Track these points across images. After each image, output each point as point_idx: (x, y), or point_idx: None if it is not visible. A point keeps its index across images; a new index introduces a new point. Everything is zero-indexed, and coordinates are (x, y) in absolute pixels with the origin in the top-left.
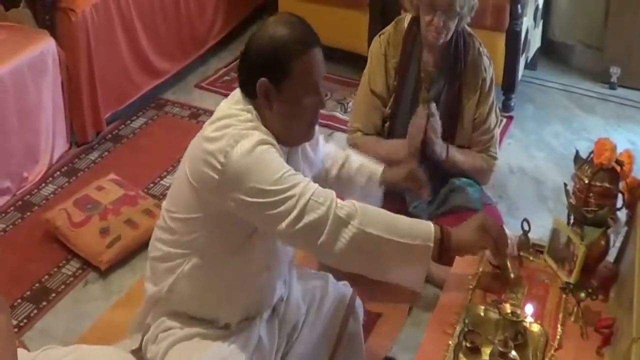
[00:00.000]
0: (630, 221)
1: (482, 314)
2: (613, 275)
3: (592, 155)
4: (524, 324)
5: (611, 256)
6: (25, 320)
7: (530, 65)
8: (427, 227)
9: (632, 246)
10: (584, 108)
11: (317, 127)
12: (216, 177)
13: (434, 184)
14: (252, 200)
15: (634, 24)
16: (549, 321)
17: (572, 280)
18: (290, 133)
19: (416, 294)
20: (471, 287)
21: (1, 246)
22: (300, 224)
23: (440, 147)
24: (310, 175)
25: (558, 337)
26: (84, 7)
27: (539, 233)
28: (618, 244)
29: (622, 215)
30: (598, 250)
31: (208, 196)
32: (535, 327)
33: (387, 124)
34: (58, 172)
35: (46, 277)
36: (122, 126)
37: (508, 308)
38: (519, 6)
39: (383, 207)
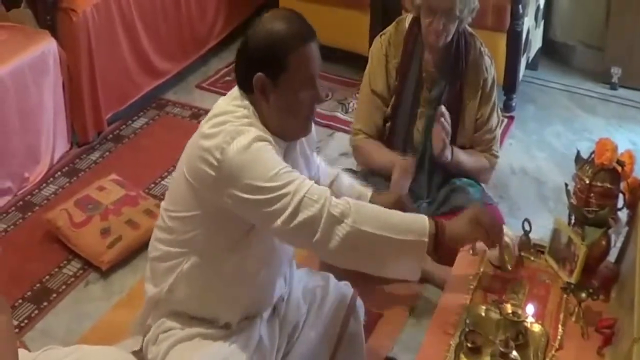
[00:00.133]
0: (631, 221)
1: (483, 314)
2: (614, 275)
3: (593, 156)
4: (525, 324)
5: (612, 256)
6: (26, 321)
7: (531, 66)
8: (421, 222)
9: (633, 246)
10: (585, 108)
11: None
12: (212, 173)
13: (434, 184)
14: (248, 196)
15: (635, 24)
16: (550, 321)
17: (573, 280)
18: (287, 128)
19: (417, 294)
20: (472, 287)
21: (2, 246)
22: (295, 222)
23: (447, 151)
24: (307, 171)
25: (559, 337)
26: (85, 7)
27: (540, 233)
28: (619, 244)
29: (623, 215)
30: (599, 251)
31: (205, 193)
32: (536, 327)
33: (388, 124)
34: (59, 173)
35: (47, 277)
36: (123, 126)
37: (509, 308)
38: (520, 6)
39: None
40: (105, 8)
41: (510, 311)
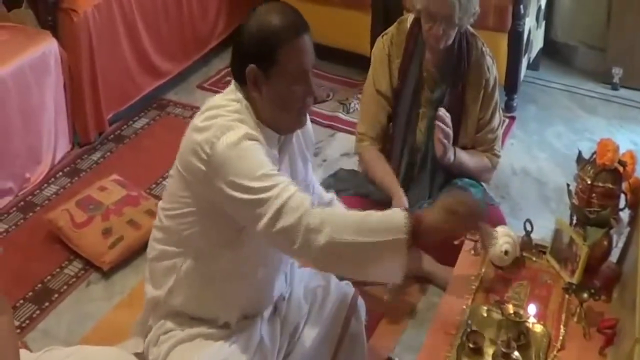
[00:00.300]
0: (632, 222)
1: (485, 314)
2: (616, 275)
3: (594, 156)
4: (527, 324)
5: (614, 256)
6: (27, 321)
7: (532, 66)
8: (397, 220)
9: (635, 247)
10: (587, 109)
11: (309, 121)
12: (203, 167)
13: (436, 184)
14: (233, 194)
15: (636, 24)
16: (552, 322)
17: (574, 280)
18: (280, 120)
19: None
20: (474, 287)
21: (3, 247)
22: (275, 228)
23: (450, 153)
24: (304, 171)
25: (561, 337)
26: (86, 8)
27: (542, 233)
28: (620, 244)
29: (624, 215)
30: (600, 251)
31: (197, 187)
32: (538, 328)
33: (391, 124)
34: (60, 173)
35: (48, 277)
36: (125, 127)
37: (511, 308)
38: (521, 7)
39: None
40: (106, 8)
41: (512, 311)
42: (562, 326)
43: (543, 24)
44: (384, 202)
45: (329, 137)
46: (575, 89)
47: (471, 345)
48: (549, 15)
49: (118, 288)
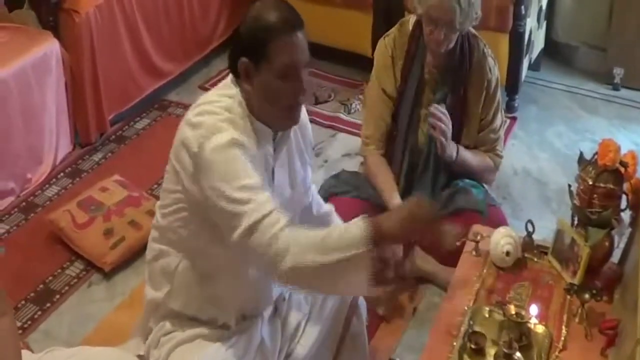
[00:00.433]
0: (634, 222)
1: (486, 315)
2: (617, 276)
3: (596, 157)
4: (529, 325)
5: (615, 257)
6: (29, 322)
7: (533, 66)
8: (355, 234)
9: (636, 247)
10: (588, 109)
11: (305, 118)
12: (192, 162)
13: (438, 185)
14: (213, 199)
15: (638, 24)
16: (554, 322)
17: (576, 281)
18: (270, 116)
19: (419, 295)
20: (475, 288)
21: (5, 247)
22: (246, 243)
23: (450, 149)
24: (303, 171)
25: (562, 338)
26: (88, 8)
27: (543, 234)
28: (622, 245)
29: (625, 216)
30: (602, 252)
31: (187, 181)
32: (540, 329)
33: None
34: (62, 173)
35: (50, 278)
36: (126, 127)
37: (512, 309)
38: (522, 7)
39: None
40: (107, 9)
41: (513, 312)
42: (563, 327)
43: (544, 24)
44: (383, 206)
45: (330, 138)
46: (576, 90)
47: (473, 346)
48: (550, 15)
49: (119, 289)
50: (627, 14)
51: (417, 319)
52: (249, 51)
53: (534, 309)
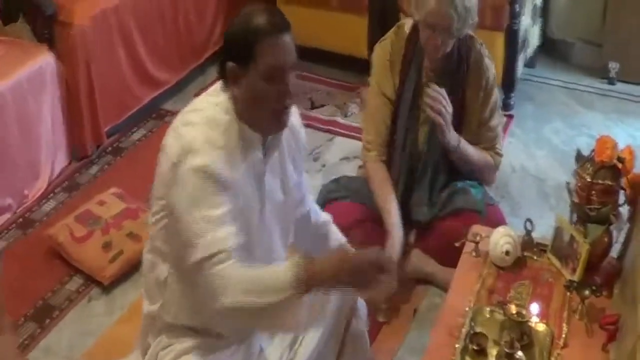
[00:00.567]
0: (632, 217)
1: (487, 315)
2: (616, 271)
3: (593, 153)
4: (530, 323)
5: (614, 252)
6: (29, 340)
7: (529, 64)
8: (286, 277)
9: (635, 242)
10: (584, 104)
11: (298, 123)
12: (169, 170)
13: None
14: (178, 211)
15: (632, 18)
16: (554, 320)
17: (576, 278)
18: (258, 120)
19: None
20: (476, 288)
21: (4, 264)
22: (196, 272)
23: (450, 135)
24: (296, 175)
25: (563, 335)
26: (83, 20)
27: (542, 230)
28: (621, 239)
29: (624, 211)
30: (601, 247)
31: (163, 184)
32: (541, 327)
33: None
34: (59, 188)
35: (49, 294)
36: (123, 138)
37: (513, 309)
38: (517, 5)
39: None
40: (102, 20)
41: (514, 311)
42: (564, 324)
43: (539, 21)
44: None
45: (328, 142)
46: (572, 85)
47: (475, 347)
48: (544, 12)
49: (119, 302)
50: (622, 8)
51: (418, 320)
52: (236, 54)
53: (534, 308)
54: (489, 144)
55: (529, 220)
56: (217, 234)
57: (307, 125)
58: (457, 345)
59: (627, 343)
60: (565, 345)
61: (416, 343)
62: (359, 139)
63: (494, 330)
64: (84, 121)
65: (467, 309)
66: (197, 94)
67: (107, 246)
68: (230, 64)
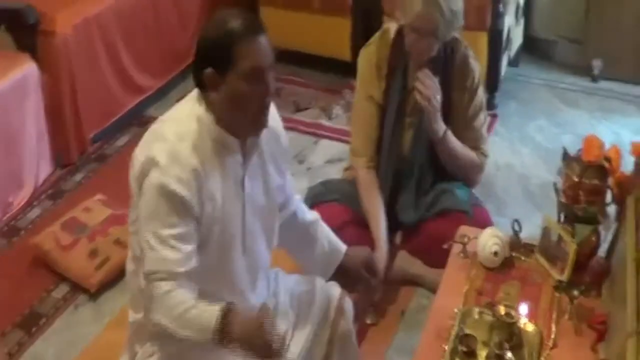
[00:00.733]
0: (619, 216)
1: (476, 316)
2: (605, 270)
3: (580, 153)
4: (519, 324)
5: (601, 251)
6: (16, 347)
7: (512, 62)
8: (208, 322)
9: (623, 241)
10: (568, 102)
11: (279, 125)
12: (136, 179)
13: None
14: (140, 216)
15: (615, 15)
16: (543, 320)
17: (564, 278)
18: (239, 123)
19: (408, 297)
20: (464, 290)
21: None
22: (143, 280)
23: (438, 124)
24: (279, 178)
25: (552, 335)
26: (65, 29)
27: (528, 229)
28: (608, 239)
29: (611, 210)
30: (589, 247)
31: (135, 192)
32: (530, 327)
33: None
34: (43, 195)
35: (36, 302)
36: (107, 145)
37: (502, 310)
38: (500, 5)
39: None
40: (85, 28)
41: (503, 312)
42: (553, 324)
43: (522, 20)
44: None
45: (313, 145)
46: (555, 83)
47: (464, 349)
48: (527, 11)
49: (106, 309)
50: (604, 5)
51: (406, 322)
52: (213, 60)
53: (523, 308)
54: (474, 144)
55: (516, 220)
56: (164, 253)
57: (291, 128)
58: (446, 347)
59: (616, 342)
60: (554, 346)
61: (404, 344)
62: (344, 142)
63: (483, 332)
64: (67, 128)
65: (455, 310)
66: (179, 100)
67: (93, 253)
68: (208, 70)
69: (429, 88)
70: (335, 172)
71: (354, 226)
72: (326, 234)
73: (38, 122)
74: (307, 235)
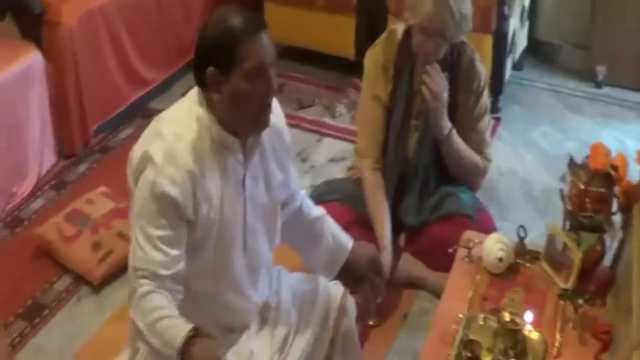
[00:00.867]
0: (625, 225)
1: (481, 322)
2: (610, 279)
3: (586, 161)
4: (523, 332)
5: (606, 260)
6: (18, 338)
7: (516, 66)
8: (174, 339)
9: (629, 251)
10: (571, 108)
11: (281, 122)
12: (132, 173)
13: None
14: (132, 210)
15: (620, 22)
16: (548, 328)
17: (569, 286)
18: (241, 122)
19: (410, 300)
20: (469, 295)
21: None
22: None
23: (443, 120)
24: (281, 174)
25: (557, 344)
26: (70, 19)
27: (531, 234)
28: (613, 246)
29: (617, 219)
30: (594, 256)
31: (132, 187)
32: (535, 335)
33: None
34: (47, 186)
35: (38, 293)
36: (110, 137)
37: (507, 316)
38: (505, 8)
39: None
40: (90, 19)
41: (508, 319)
42: (557, 333)
43: (527, 23)
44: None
45: (316, 143)
46: (559, 88)
47: (468, 355)
48: (531, 14)
49: (109, 302)
50: (609, 11)
51: (408, 325)
52: (216, 59)
53: (529, 316)
54: (478, 147)
55: (522, 227)
56: (150, 253)
57: (295, 126)
58: (450, 353)
59: (621, 354)
60: (558, 355)
61: (406, 347)
62: (348, 140)
63: (487, 338)
64: (71, 119)
65: (460, 315)
66: (183, 93)
67: (96, 246)
68: (210, 70)
69: (437, 84)
70: (338, 171)
71: (357, 226)
72: (332, 230)
73: (42, 112)
74: (313, 231)
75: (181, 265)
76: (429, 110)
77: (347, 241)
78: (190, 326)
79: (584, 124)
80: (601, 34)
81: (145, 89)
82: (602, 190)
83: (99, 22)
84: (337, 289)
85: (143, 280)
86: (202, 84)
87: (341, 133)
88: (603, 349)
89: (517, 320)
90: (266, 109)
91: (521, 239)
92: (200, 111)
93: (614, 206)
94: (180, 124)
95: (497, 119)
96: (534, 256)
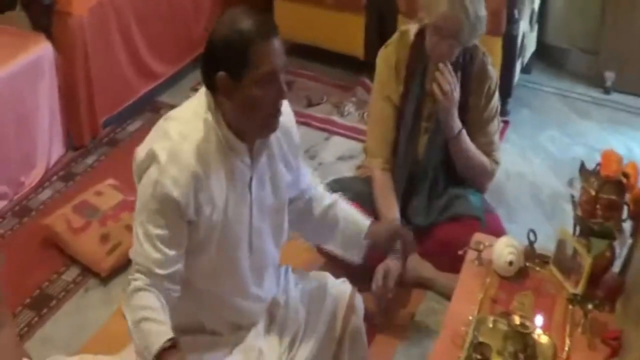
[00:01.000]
0: (635, 232)
1: (491, 325)
2: (619, 286)
3: (598, 167)
4: (533, 335)
5: (615, 266)
6: (26, 328)
7: (525, 69)
8: (153, 345)
9: (638, 258)
10: (579, 112)
11: (290, 121)
12: (137, 168)
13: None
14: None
15: (629, 28)
16: (557, 332)
17: (578, 291)
18: (250, 126)
19: (418, 301)
20: (479, 297)
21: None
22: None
23: (454, 122)
24: (289, 176)
25: (566, 349)
26: (81, 10)
27: (538, 239)
28: (623, 253)
29: (626, 226)
30: (604, 262)
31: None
32: (544, 339)
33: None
34: (55, 177)
35: (46, 283)
36: (118, 130)
37: (517, 320)
38: (515, 11)
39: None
40: (100, 11)
41: (518, 322)
42: (567, 337)
43: (536, 27)
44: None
45: (324, 141)
46: (567, 93)
47: (478, 357)
48: (541, 18)
49: (116, 294)
50: (619, 17)
51: (416, 325)
52: (227, 62)
53: (539, 320)
54: (487, 149)
55: (532, 231)
56: (147, 250)
57: (303, 124)
58: (460, 355)
59: (629, 359)
60: (567, 359)
61: (414, 347)
62: (356, 139)
63: (497, 341)
64: (80, 111)
65: (470, 317)
66: (192, 87)
67: (105, 238)
68: (221, 74)
69: (448, 82)
70: (346, 169)
71: None
72: (346, 212)
73: (51, 103)
74: (326, 219)
75: (179, 266)
76: (440, 109)
77: (364, 220)
78: (168, 336)
79: (591, 129)
80: (610, 40)
81: (155, 82)
82: (613, 197)
83: (109, 14)
84: (345, 286)
85: (138, 275)
86: (211, 87)
87: (349, 132)
88: (612, 355)
89: (527, 323)
90: (276, 113)
91: (531, 243)
92: (207, 113)
93: (624, 213)
94: (187, 124)
95: (506, 122)
96: (543, 260)
